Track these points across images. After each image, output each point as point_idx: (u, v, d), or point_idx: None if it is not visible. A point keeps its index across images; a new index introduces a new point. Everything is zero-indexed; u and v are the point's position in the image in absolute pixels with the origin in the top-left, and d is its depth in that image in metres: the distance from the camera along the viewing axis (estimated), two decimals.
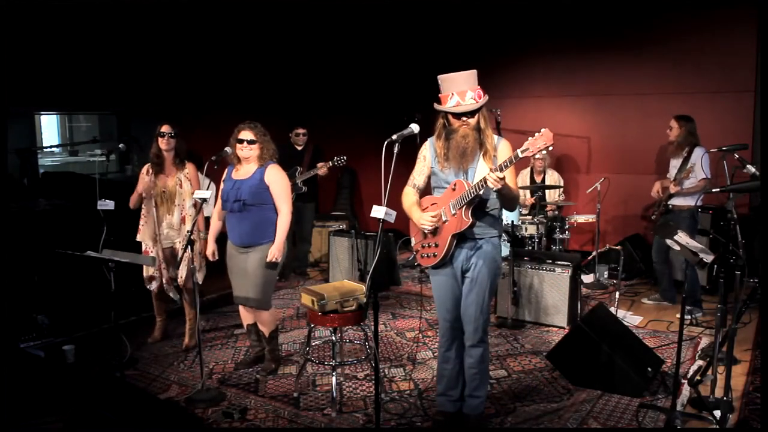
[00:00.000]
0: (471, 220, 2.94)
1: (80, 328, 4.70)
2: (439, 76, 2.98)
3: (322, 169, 5.99)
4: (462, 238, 3.03)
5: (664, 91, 6.36)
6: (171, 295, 4.50)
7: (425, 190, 3.25)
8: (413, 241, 3.25)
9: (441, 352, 3.27)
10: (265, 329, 4.04)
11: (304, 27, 7.44)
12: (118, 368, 3.66)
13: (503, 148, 3.03)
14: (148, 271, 4.42)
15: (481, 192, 2.86)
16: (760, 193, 3.33)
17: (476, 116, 2.97)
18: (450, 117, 3.00)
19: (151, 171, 4.37)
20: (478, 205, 2.99)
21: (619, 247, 5.63)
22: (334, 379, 3.53)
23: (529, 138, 2.70)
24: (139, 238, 4.42)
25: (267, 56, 7.31)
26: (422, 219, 3.05)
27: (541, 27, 6.98)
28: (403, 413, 3.49)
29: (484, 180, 2.78)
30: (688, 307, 5.22)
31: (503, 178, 2.75)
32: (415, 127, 2.86)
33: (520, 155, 2.72)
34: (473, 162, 2.99)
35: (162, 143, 4.32)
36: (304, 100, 7.64)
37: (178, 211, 4.38)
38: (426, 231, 3.08)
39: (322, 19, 7.45)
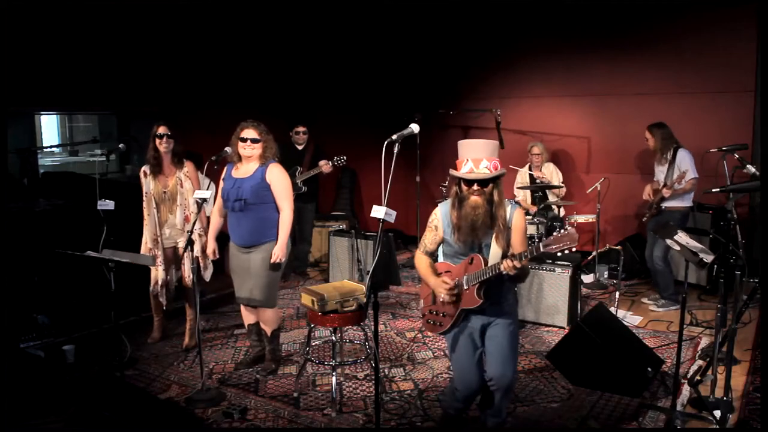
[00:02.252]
0: (482, 300, 2.84)
1: (80, 328, 4.70)
2: (459, 142, 2.88)
3: (325, 166, 5.95)
4: (472, 311, 2.93)
5: (664, 91, 6.36)
6: (161, 300, 4.47)
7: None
8: (422, 303, 3.18)
9: (450, 398, 3.16)
10: (268, 328, 4.04)
11: (305, 27, 7.44)
12: (118, 368, 3.66)
13: (517, 219, 2.90)
14: (154, 275, 4.41)
15: (495, 274, 2.75)
16: (760, 193, 3.33)
17: (489, 187, 2.83)
18: (462, 184, 2.86)
19: (149, 173, 4.35)
20: (490, 283, 2.87)
21: (619, 247, 5.63)
22: (334, 379, 3.53)
23: (554, 234, 2.59)
24: (144, 247, 4.39)
25: (267, 56, 7.30)
26: (440, 288, 2.92)
27: (541, 27, 6.98)
28: (403, 413, 3.49)
29: (498, 266, 2.70)
30: (662, 301, 5.28)
31: (519, 267, 2.65)
32: (415, 127, 2.86)
33: (542, 249, 2.60)
34: (486, 236, 2.87)
35: (160, 145, 4.30)
36: (304, 100, 7.63)
37: (180, 210, 4.37)
38: (441, 299, 2.98)
39: (322, 19, 7.45)
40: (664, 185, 5.14)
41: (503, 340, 2.94)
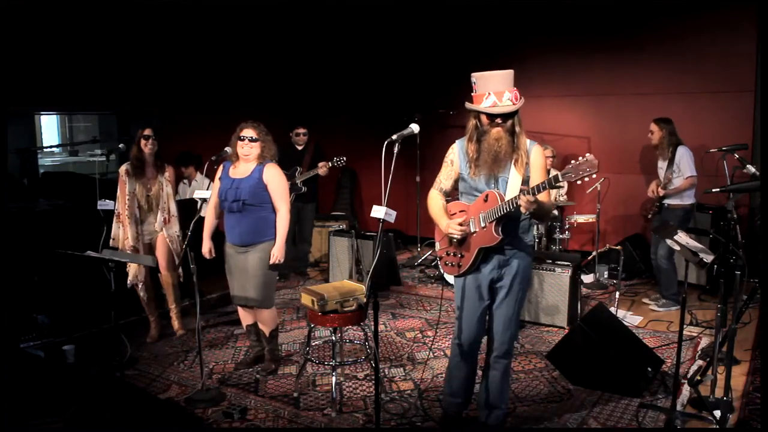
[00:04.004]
0: (500, 236, 2.81)
1: (80, 328, 4.70)
2: (474, 74, 2.82)
3: (322, 168, 5.97)
4: (490, 249, 2.91)
5: (664, 91, 6.36)
6: (141, 294, 4.56)
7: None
8: (437, 246, 3.15)
9: (455, 360, 3.17)
10: (266, 328, 4.04)
11: (305, 27, 7.44)
12: (118, 368, 3.66)
13: (536, 156, 2.86)
14: (132, 271, 4.48)
15: (513, 209, 2.73)
16: (760, 193, 3.33)
17: (511, 119, 2.82)
18: (483, 118, 2.84)
19: (131, 173, 4.43)
20: (508, 218, 2.86)
21: (619, 247, 5.63)
22: (334, 379, 3.53)
23: (572, 162, 2.56)
24: (120, 242, 4.43)
25: (267, 56, 7.30)
26: (450, 227, 2.90)
27: (541, 27, 6.98)
28: (403, 413, 3.49)
29: (516, 200, 2.67)
30: (663, 300, 5.29)
31: (535, 201, 2.62)
32: (415, 127, 2.85)
33: (561, 179, 2.59)
34: (505, 169, 2.84)
35: (145, 147, 4.40)
36: (304, 100, 7.63)
37: (160, 213, 4.49)
38: (453, 240, 2.97)
39: (322, 20, 7.45)
40: (660, 185, 5.18)
41: (508, 309, 2.98)
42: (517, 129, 2.82)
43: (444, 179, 3.06)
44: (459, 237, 2.91)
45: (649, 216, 5.43)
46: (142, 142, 4.41)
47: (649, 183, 5.49)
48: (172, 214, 4.52)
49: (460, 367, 3.19)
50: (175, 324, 4.66)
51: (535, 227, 5.86)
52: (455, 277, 3.05)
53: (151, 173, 4.47)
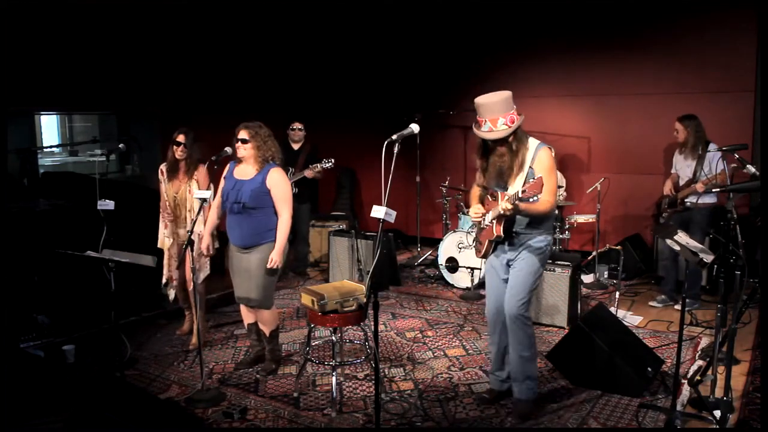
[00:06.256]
0: (498, 234, 3.20)
1: (80, 328, 4.70)
2: (476, 100, 3.13)
3: (308, 172, 5.99)
4: (505, 238, 3.25)
5: (665, 91, 6.36)
6: (170, 291, 4.51)
7: None
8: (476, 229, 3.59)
9: (489, 335, 3.57)
10: (266, 328, 4.05)
11: (305, 27, 7.44)
12: (118, 368, 3.66)
13: (541, 158, 3.16)
14: (166, 275, 4.46)
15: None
16: (760, 193, 3.33)
17: (509, 138, 3.15)
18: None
19: (165, 173, 4.40)
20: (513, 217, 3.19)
21: (619, 247, 5.63)
22: (334, 379, 3.53)
23: (526, 182, 3.00)
24: (161, 240, 4.45)
25: (267, 56, 7.31)
26: (471, 212, 3.41)
27: (541, 27, 6.98)
28: (403, 413, 3.49)
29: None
30: (661, 296, 5.30)
31: (511, 209, 2.99)
32: (415, 127, 2.86)
33: (520, 195, 2.90)
34: (512, 177, 3.20)
35: (176, 152, 4.31)
36: (304, 100, 7.63)
37: (190, 216, 4.39)
38: (474, 223, 3.44)
39: (322, 19, 7.45)
40: (692, 180, 5.05)
41: (515, 279, 3.28)
42: (515, 146, 3.15)
43: (478, 176, 3.44)
44: (476, 222, 3.38)
45: (664, 215, 5.35)
46: (174, 147, 4.31)
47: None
48: (199, 218, 4.32)
49: (492, 341, 3.53)
50: (194, 338, 4.52)
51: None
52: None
53: (182, 176, 4.38)
